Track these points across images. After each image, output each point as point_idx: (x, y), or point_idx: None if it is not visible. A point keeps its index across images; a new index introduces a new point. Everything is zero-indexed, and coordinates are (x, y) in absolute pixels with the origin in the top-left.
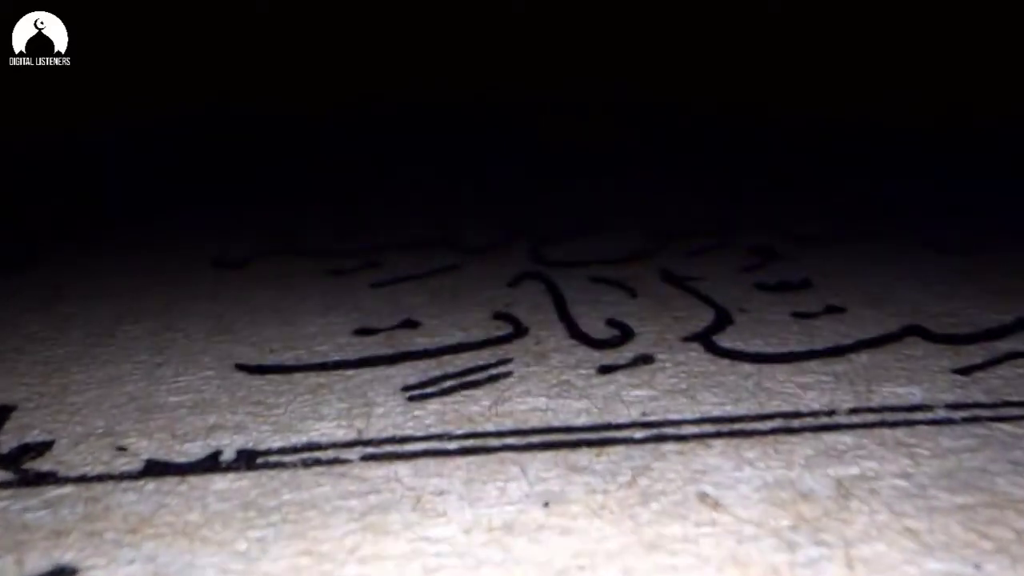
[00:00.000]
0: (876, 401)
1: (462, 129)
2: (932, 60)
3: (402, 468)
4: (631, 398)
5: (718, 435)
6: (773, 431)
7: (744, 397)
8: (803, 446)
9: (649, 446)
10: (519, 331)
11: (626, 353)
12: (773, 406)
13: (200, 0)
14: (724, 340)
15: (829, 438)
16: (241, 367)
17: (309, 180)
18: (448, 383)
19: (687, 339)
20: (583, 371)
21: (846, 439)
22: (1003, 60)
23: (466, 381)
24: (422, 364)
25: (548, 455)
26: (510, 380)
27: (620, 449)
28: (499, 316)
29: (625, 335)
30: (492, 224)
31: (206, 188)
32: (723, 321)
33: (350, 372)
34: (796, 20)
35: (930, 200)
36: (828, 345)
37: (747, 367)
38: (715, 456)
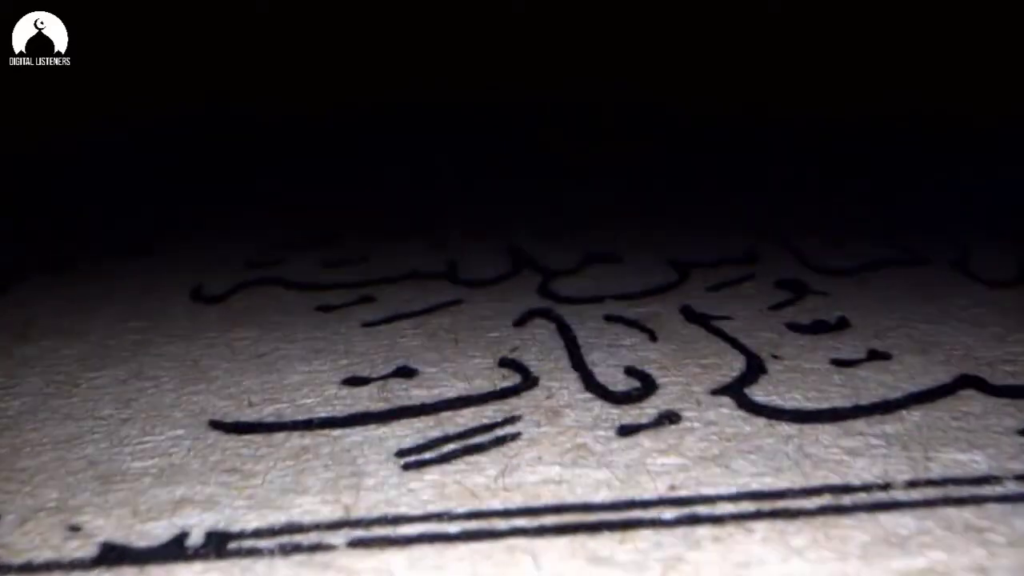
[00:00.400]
0: (936, 471)
1: (462, 130)
2: (932, 60)
3: (395, 557)
4: (657, 467)
5: (759, 516)
6: (822, 510)
7: (786, 466)
8: (858, 530)
9: (680, 530)
10: (528, 381)
11: (649, 410)
12: (820, 477)
13: (200, 0)
14: (758, 393)
15: (887, 520)
16: (216, 424)
17: (304, 187)
18: (448, 447)
19: (716, 392)
20: (601, 432)
21: (907, 521)
22: (1003, 60)
23: (469, 444)
24: (419, 422)
25: (564, 542)
26: (519, 443)
27: (647, 534)
28: (505, 363)
29: (647, 388)
30: (492, 238)
31: (198, 193)
32: (755, 370)
33: (337, 432)
34: (796, 20)
35: (947, 211)
36: (875, 400)
37: (786, 427)
38: (757, 544)
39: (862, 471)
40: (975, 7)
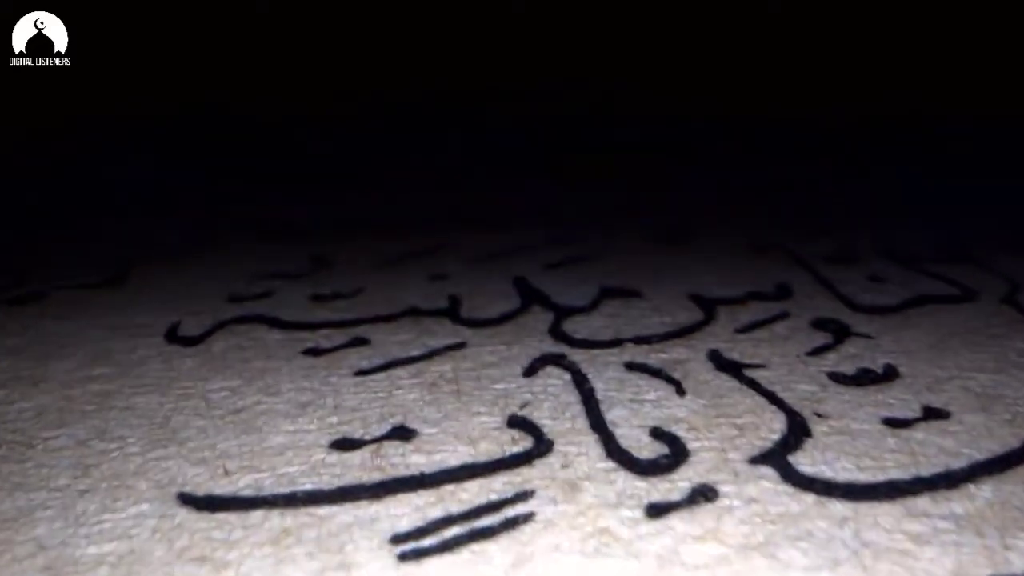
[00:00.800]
0: (1018, 565)
1: (461, 130)
2: (932, 60)
3: None
4: (694, 559)
5: None
6: None
7: (843, 557)
8: None
9: None
10: (541, 446)
11: (680, 483)
12: (884, 573)
13: (200, 0)
14: (804, 462)
15: None
16: (185, 499)
17: (300, 194)
18: (451, 531)
19: (756, 460)
20: (627, 512)
21: None
22: (1003, 60)
23: (475, 528)
24: (417, 498)
25: None
26: (533, 526)
27: None
28: (515, 422)
29: (676, 455)
30: (497, 265)
31: (191, 200)
32: (798, 432)
33: (324, 510)
34: (796, 20)
35: (976, 226)
36: (937, 470)
37: (839, 507)
38: None
39: (932, 564)
40: (975, 7)
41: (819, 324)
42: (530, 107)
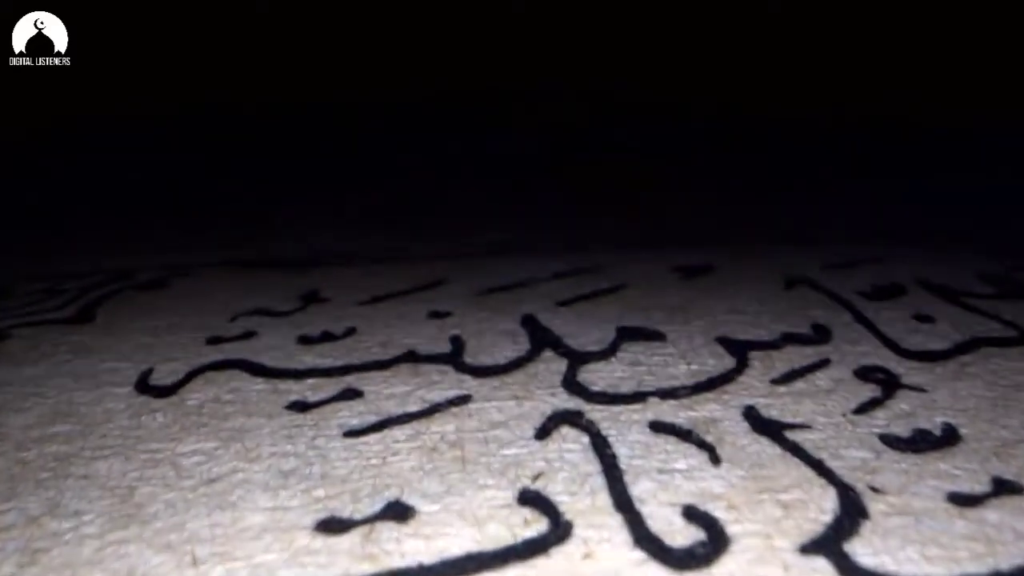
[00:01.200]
0: None
1: (461, 130)
2: (932, 60)
3: None
4: None
5: None
6: None
7: None
8: None
9: None
10: (558, 530)
11: None
12: None
13: (200, 0)
14: (863, 551)
15: None
16: None
17: (294, 206)
18: None
19: (807, 549)
20: None
21: None
22: (1003, 60)
23: None
24: None
25: None
26: None
27: None
28: (527, 497)
29: (715, 541)
30: (504, 300)
31: (182, 205)
32: (853, 513)
33: None
34: (796, 20)
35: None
36: (1019, 562)
37: None
38: None
39: None
40: (975, 7)
41: (864, 373)
42: (530, 107)
